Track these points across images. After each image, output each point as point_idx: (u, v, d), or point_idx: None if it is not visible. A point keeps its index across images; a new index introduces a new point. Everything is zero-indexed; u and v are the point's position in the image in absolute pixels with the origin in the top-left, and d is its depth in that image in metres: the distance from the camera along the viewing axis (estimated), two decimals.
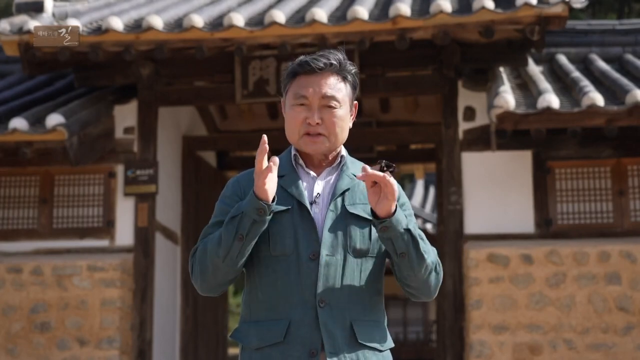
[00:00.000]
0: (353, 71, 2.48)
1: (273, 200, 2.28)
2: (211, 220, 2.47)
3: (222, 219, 2.41)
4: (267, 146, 2.26)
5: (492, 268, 7.28)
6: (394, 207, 2.29)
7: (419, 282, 2.41)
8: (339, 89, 2.43)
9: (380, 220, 2.30)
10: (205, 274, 2.37)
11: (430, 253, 2.40)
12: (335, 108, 2.41)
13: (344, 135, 2.46)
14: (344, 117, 2.44)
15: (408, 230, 2.32)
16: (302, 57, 2.47)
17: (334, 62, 2.42)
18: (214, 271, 2.35)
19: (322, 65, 2.41)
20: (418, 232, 2.37)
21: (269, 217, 2.29)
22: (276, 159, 2.29)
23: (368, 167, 2.27)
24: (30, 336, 7.54)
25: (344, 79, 2.45)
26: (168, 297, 8.33)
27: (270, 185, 2.27)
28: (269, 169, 2.25)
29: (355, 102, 2.52)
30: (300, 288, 2.33)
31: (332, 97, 2.41)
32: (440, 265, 2.47)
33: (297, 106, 2.42)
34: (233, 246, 2.29)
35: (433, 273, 2.42)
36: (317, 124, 2.39)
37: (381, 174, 2.26)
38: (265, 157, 2.27)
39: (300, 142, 2.42)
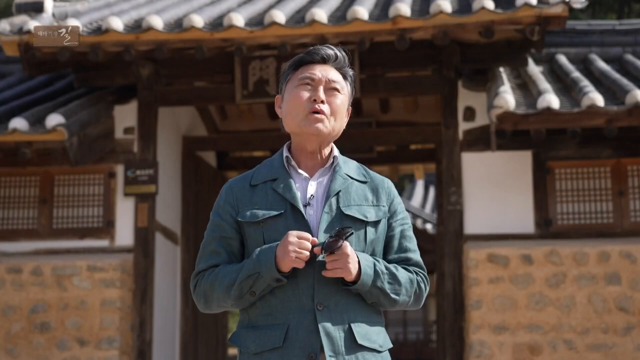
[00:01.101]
0: (352, 73, 2.53)
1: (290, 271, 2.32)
2: (207, 233, 2.47)
3: (218, 234, 2.43)
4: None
5: (492, 268, 7.28)
6: (355, 275, 2.31)
7: (397, 309, 2.47)
8: (341, 80, 2.49)
9: (345, 284, 2.34)
10: (209, 304, 2.43)
11: (403, 290, 2.40)
12: (339, 92, 2.46)
13: (341, 124, 2.48)
14: (345, 105, 2.48)
15: (375, 286, 2.34)
16: (308, 49, 2.52)
17: (340, 56, 2.49)
18: (219, 306, 2.43)
19: (329, 53, 2.48)
20: (387, 279, 2.36)
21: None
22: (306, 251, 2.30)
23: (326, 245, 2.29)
24: (30, 336, 7.54)
25: (344, 76, 2.51)
26: (168, 297, 8.33)
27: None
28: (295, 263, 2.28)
29: (349, 107, 2.55)
30: (298, 292, 2.33)
31: (337, 82, 2.46)
32: (424, 281, 2.47)
33: (302, 86, 2.44)
34: (244, 298, 2.35)
35: (412, 298, 2.44)
36: (322, 101, 2.42)
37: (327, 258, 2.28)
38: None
39: (305, 121, 2.42)
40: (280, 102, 2.52)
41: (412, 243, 2.49)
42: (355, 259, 2.30)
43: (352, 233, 2.30)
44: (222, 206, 2.46)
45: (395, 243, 2.46)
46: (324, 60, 2.46)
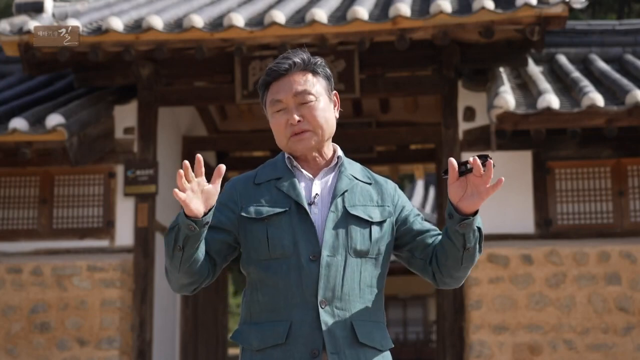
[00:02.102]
0: (319, 62, 2.48)
1: (208, 213, 2.27)
2: None
3: (213, 224, 2.42)
4: (188, 166, 2.25)
5: (492, 268, 7.29)
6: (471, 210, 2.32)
7: (463, 272, 2.44)
8: (311, 84, 2.44)
9: (462, 217, 2.31)
10: (167, 276, 2.43)
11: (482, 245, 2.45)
12: (311, 102, 2.42)
13: (329, 126, 2.46)
14: (325, 109, 2.45)
15: (479, 229, 2.37)
16: (268, 66, 2.49)
17: (298, 61, 2.44)
18: (171, 275, 2.40)
19: (287, 66, 2.43)
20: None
21: (204, 230, 2.29)
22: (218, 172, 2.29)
23: (478, 160, 2.30)
24: (30, 336, 7.54)
25: (314, 73, 2.46)
26: (168, 297, 8.33)
27: (197, 202, 2.25)
28: (188, 189, 2.25)
29: (335, 92, 2.53)
30: (301, 289, 2.33)
31: (305, 92, 2.42)
32: None
33: (275, 113, 2.44)
34: (174, 256, 2.32)
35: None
36: (299, 121, 2.40)
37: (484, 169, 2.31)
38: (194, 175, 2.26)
39: (289, 144, 2.44)
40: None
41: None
42: None
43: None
44: (223, 203, 2.46)
45: (422, 225, 2.49)
46: (282, 74, 2.43)
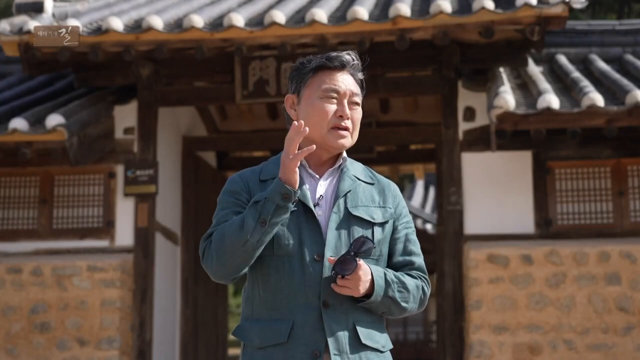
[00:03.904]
0: (362, 77, 2.55)
1: (298, 189, 2.29)
2: (219, 212, 2.42)
3: (233, 209, 2.39)
4: (307, 130, 2.27)
5: (492, 268, 7.28)
6: (370, 289, 2.32)
7: (403, 316, 2.48)
8: (359, 89, 2.51)
9: (357, 299, 2.34)
10: (221, 259, 2.32)
11: (411, 298, 2.42)
12: (358, 107, 2.49)
13: (357, 135, 2.51)
14: (360, 118, 2.51)
15: (387, 296, 2.35)
16: (326, 54, 2.51)
17: (357, 62, 2.51)
18: (232, 256, 2.30)
19: (347, 59, 2.48)
20: (397, 288, 2.38)
21: (292, 205, 2.29)
22: (313, 147, 2.29)
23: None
24: (30, 336, 7.54)
25: (362, 83, 2.54)
26: (168, 297, 8.33)
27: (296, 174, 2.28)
28: (301, 154, 2.26)
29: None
30: (304, 289, 2.34)
31: (358, 96, 2.49)
32: (426, 285, 2.48)
33: (326, 99, 2.43)
34: (255, 230, 2.26)
35: (417, 304, 2.46)
36: (348, 118, 2.43)
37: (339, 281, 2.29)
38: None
39: (328, 135, 2.42)
40: (294, 103, 2.50)
41: (416, 247, 2.51)
42: (368, 277, 2.31)
43: (372, 247, 2.30)
44: (235, 191, 2.43)
45: (401, 246, 2.48)
46: (343, 66, 2.47)
